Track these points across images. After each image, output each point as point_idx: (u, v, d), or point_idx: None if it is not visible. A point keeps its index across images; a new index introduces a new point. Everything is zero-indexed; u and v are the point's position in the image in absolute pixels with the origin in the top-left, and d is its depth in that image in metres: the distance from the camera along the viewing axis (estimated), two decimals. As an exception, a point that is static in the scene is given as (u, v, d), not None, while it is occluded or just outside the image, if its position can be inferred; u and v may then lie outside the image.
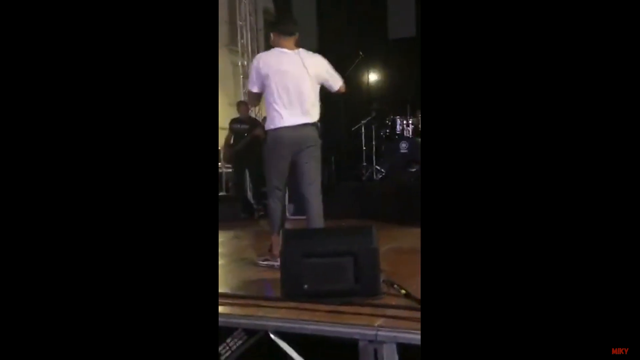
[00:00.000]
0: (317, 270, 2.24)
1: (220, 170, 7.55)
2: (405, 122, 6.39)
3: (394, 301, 2.15)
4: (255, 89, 3.09)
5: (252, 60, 3.87)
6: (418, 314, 1.71)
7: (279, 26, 3.15)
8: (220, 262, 3.29)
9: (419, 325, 1.59)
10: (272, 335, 1.96)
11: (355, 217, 5.05)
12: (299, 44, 3.10)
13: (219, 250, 3.50)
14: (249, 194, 6.44)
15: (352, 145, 7.11)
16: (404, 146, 6.14)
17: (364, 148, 6.67)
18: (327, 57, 3.17)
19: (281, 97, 2.98)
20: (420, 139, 6.02)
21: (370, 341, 1.80)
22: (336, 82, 3.16)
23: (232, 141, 6.24)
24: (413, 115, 6.46)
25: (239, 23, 8.73)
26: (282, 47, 3.05)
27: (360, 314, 2.00)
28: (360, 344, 1.81)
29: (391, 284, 2.30)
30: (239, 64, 8.86)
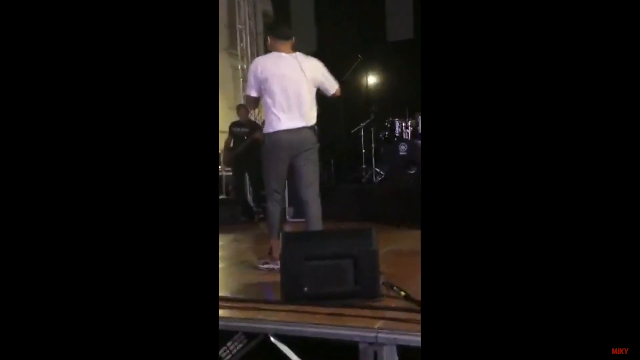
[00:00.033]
0: (317, 272, 2.24)
1: (220, 174, 7.53)
2: (404, 124, 6.42)
3: (393, 303, 2.14)
4: (253, 93, 3.10)
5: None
6: (418, 316, 1.71)
7: (275, 30, 3.17)
8: (220, 265, 3.29)
9: (418, 327, 1.59)
10: (272, 338, 1.97)
11: (354, 219, 5.04)
12: (295, 48, 3.12)
13: (219, 254, 3.49)
14: (249, 197, 6.43)
15: (352, 147, 7.12)
16: (403, 148, 6.15)
17: (363, 150, 6.67)
18: (326, 59, 3.19)
19: (279, 101, 2.99)
20: (419, 141, 6.03)
21: (371, 343, 1.80)
22: (332, 86, 3.17)
23: (232, 144, 6.24)
24: (412, 117, 6.49)
25: (239, 27, 8.72)
26: (279, 50, 3.07)
27: (360, 316, 2.00)
28: (361, 346, 1.82)
29: (391, 286, 2.30)
30: (239, 67, 8.84)
